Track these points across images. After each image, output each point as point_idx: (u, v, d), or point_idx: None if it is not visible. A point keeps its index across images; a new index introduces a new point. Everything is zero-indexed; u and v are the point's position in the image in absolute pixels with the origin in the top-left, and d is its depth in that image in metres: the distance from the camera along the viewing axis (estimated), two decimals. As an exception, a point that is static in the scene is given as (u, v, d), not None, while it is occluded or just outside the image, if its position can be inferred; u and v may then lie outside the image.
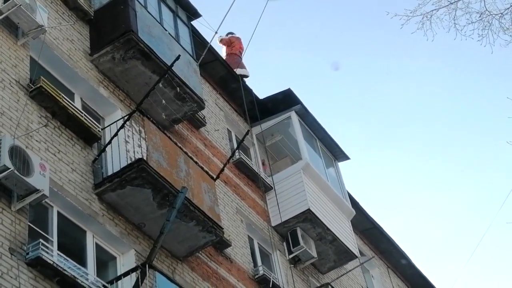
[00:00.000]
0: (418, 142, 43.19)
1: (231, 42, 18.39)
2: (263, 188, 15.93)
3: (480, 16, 10.43)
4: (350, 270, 17.71)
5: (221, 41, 18.34)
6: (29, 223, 8.96)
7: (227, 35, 18.57)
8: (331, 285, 14.87)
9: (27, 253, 8.53)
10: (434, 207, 44.06)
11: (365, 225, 20.05)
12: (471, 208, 42.52)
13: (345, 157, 18.89)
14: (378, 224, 20.61)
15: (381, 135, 42.89)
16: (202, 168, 12.32)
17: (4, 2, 10.40)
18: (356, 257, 16.92)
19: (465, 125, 41.38)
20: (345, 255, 16.58)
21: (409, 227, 43.65)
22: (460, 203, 43.28)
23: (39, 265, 8.53)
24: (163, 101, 12.59)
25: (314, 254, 15.69)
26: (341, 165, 18.88)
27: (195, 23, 15.50)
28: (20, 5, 10.33)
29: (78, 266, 9.41)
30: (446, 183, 43.33)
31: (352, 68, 41.44)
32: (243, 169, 15.72)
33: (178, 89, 12.93)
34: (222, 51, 18.28)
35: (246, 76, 17.71)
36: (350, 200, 18.34)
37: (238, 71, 17.35)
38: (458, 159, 42.59)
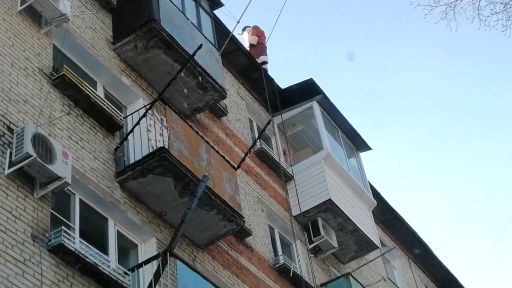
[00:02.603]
0: (439, 131, 42.91)
1: (261, 33, 18.33)
2: (284, 177, 15.92)
3: (504, 7, 10.33)
4: (371, 261, 17.68)
5: (253, 33, 18.17)
6: (51, 210, 9.04)
7: (244, 28, 18.48)
8: (351, 275, 14.84)
9: (49, 240, 8.60)
10: (456, 197, 43.80)
11: (386, 216, 19.98)
12: (495, 198, 42.17)
13: (366, 147, 18.81)
14: (399, 215, 20.53)
15: (402, 124, 42.65)
16: (223, 157, 12.34)
17: (28, -9, 10.46)
18: (377, 247, 16.87)
19: (489, 114, 41.02)
20: (366, 245, 16.54)
21: (430, 217, 43.45)
22: (483, 192, 42.97)
23: (61, 252, 8.60)
24: (185, 90, 12.61)
25: (335, 244, 15.67)
26: (363, 155, 18.82)
27: (217, 12, 15.51)
28: (44, -7, 10.38)
29: (100, 253, 9.48)
30: (469, 171, 43.02)
31: (373, 58, 41.22)
32: (264, 158, 15.72)
33: (200, 78, 12.93)
34: (245, 40, 18.23)
35: (266, 63, 17.68)
36: (371, 190, 18.28)
37: (260, 58, 17.33)
38: (481, 148, 42.26)
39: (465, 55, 39.64)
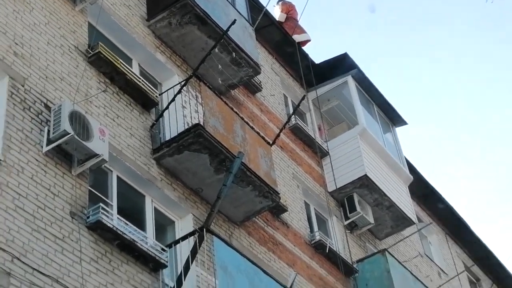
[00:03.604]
0: (476, 104, 42.32)
1: (291, 9, 18.13)
2: (320, 153, 15.84)
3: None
4: (407, 236, 17.56)
5: (282, 10, 18.01)
6: (89, 187, 9.10)
7: (278, 2, 18.30)
8: (388, 251, 14.75)
9: (88, 217, 8.67)
10: (494, 171, 43.28)
11: (422, 191, 19.79)
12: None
13: (402, 122, 18.61)
14: (436, 190, 20.33)
15: (438, 97, 42.15)
16: (258, 133, 12.29)
17: (62, -32, 10.44)
18: (414, 223, 16.75)
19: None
20: (402, 221, 16.43)
21: (467, 192, 43.03)
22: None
23: (99, 229, 8.66)
24: (219, 66, 12.56)
25: (371, 220, 15.59)
26: (399, 130, 18.63)
27: (250, -13, 15.36)
28: (78, -29, 10.37)
29: (138, 230, 9.53)
30: (508, 145, 42.42)
31: (411, 33, 40.64)
32: (299, 134, 15.64)
33: (234, 54, 12.87)
34: (276, 14, 17.98)
35: (309, 41, 17.50)
36: (407, 165, 18.11)
37: (299, 36, 17.13)
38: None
39: (503, 29, 38.88)
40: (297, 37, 17.09)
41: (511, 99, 41.48)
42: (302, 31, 17.51)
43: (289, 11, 18.00)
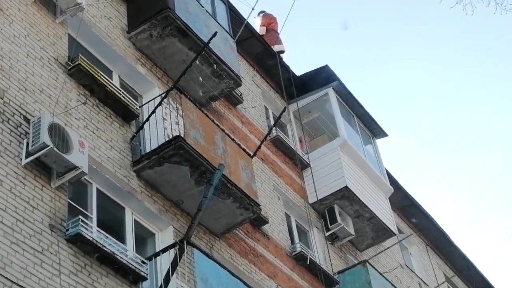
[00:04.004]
0: (456, 116, 42.64)
1: (272, 21, 18.21)
2: (300, 165, 15.88)
3: (521, -10, 10.16)
4: (388, 248, 17.62)
5: (262, 23, 18.07)
6: (68, 200, 9.06)
7: (259, 14, 18.40)
8: (368, 262, 14.79)
9: (67, 230, 8.63)
10: (474, 183, 43.58)
11: (403, 202, 19.89)
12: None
13: (383, 134, 18.71)
14: (416, 201, 20.43)
15: (418, 110, 42.43)
16: (239, 145, 12.31)
17: (42, -19, 10.44)
18: (394, 234, 16.82)
19: (508, 96, 40.67)
20: (383, 233, 16.49)
21: (448, 204, 43.27)
22: (501, 179, 42.69)
23: (79, 242, 8.63)
24: (200, 79, 12.58)
25: (352, 231, 15.63)
26: (379, 141, 18.73)
27: (231, -1, 15.43)
28: (58, -17, 10.37)
29: (117, 242, 9.49)
30: (487, 156, 42.76)
31: (388, 45, 40.95)
32: (280, 146, 15.68)
33: (215, 66, 12.89)
34: (257, 26, 18.05)
35: (283, 52, 17.60)
36: (388, 177, 18.20)
37: (275, 47, 17.24)
38: (500, 131, 41.96)
39: (483, 38, 39.31)
40: (275, 48, 17.18)
41: (492, 109, 41.91)
42: (280, 42, 17.61)
43: (270, 24, 18.08)
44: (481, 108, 42.31)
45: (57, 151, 8.64)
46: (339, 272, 14.69)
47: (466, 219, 44.30)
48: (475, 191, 43.97)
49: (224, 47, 13.58)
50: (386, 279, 15.17)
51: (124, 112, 10.90)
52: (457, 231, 44.01)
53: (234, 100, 14.62)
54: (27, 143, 8.71)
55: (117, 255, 9.00)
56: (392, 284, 15.38)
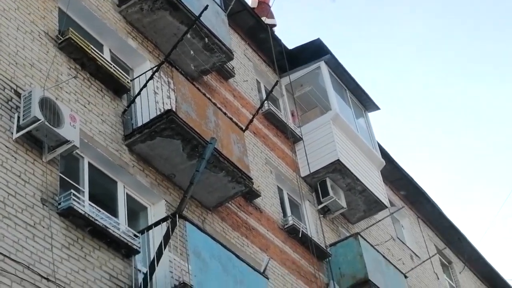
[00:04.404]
0: (448, 88, 42.64)
1: None
2: (292, 139, 15.91)
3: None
4: (379, 220, 17.74)
5: None
6: (60, 174, 9.07)
7: None
8: (360, 235, 14.89)
9: (59, 204, 8.64)
10: (466, 155, 43.72)
11: (395, 175, 19.98)
12: (505, 154, 42.06)
13: (375, 107, 18.73)
14: (408, 174, 20.52)
15: (410, 82, 42.41)
16: (231, 119, 12.31)
17: (31, -47, 10.33)
18: (386, 207, 16.91)
19: (498, 71, 40.65)
20: (374, 205, 16.58)
21: (439, 176, 43.47)
22: (493, 150, 42.86)
23: (71, 215, 8.64)
24: (192, 52, 12.53)
25: (344, 204, 15.71)
26: (371, 115, 18.75)
27: (223, -28, 15.31)
28: (47, -44, 10.27)
29: (110, 216, 9.52)
30: (479, 128, 42.85)
31: (383, 17, 40.78)
32: (272, 120, 15.68)
33: (206, 39, 12.84)
34: (251, 1, 18.02)
35: (275, 25, 17.53)
36: (380, 150, 18.25)
37: (267, 20, 17.16)
38: (492, 105, 41.99)
39: (478, 12, 39.17)
40: (267, 21, 17.11)
41: (484, 82, 41.91)
42: (272, 16, 17.54)
43: None
44: (473, 82, 42.33)
45: (48, 125, 8.63)
46: (331, 245, 14.79)
47: (458, 193, 44.54)
48: (467, 164, 44.18)
49: (216, 21, 13.51)
50: (377, 251, 15.29)
51: (115, 86, 10.86)
52: (449, 204, 44.28)
53: (225, 74, 14.59)
54: (18, 117, 8.69)
55: (109, 228, 9.03)
56: (384, 257, 15.51)
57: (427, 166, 43.50)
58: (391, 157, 19.63)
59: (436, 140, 44.50)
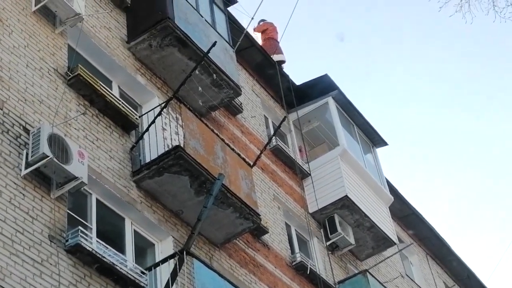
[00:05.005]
0: (454, 125, 42.64)
1: (266, 28, 18.30)
2: (300, 174, 15.86)
3: (520, -2, 10.17)
4: (388, 257, 17.59)
5: (255, 29, 18.24)
6: (68, 211, 9.04)
7: (259, 22, 18.49)
8: (369, 272, 14.74)
9: (67, 240, 8.61)
10: (474, 191, 43.50)
11: (403, 212, 19.86)
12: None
13: (383, 143, 18.70)
14: (416, 210, 20.40)
15: (418, 120, 42.43)
16: (239, 155, 12.30)
17: (42, -9, 10.46)
18: (395, 243, 16.78)
19: (505, 105, 40.67)
20: (383, 242, 16.45)
21: (448, 212, 43.22)
22: (502, 186, 42.63)
23: (78, 252, 8.60)
24: (200, 88, 12.58)
25: (352, 241, 15.60)
26: (379, 150, 18.71)
27: (231, 9, 15.47)
28: (58, -7, 10.37)
29: (117, 253, 9.47)
30: (486, 165, 42.69)
31: (389, 54, 40.99)
32: (280, 155, 15.66)
33: (214, 76, 12.89)
34: (258, 38, 18.17)
35: (283, 62, 17.60)
36: (388, 186, 18.18)
37: (275, 57, 17.25)
38: (498, 142, 41.94)
39: (483, 46, 39.33)
40: (275, 57, 17.19)
41: (491, 117, 41.90)
42: (280, 51, 17.63)
43: (264, 31, 18.12)
44: (480, 117, 42.33)
45: (57, 161, 8.63)
46: (339, 282, 14.64)
47: (467, 228, 44.25)
48: (476, 199, 43.94)
49: (224, 57, 13.59)
50: (386, 288, 15.12)
51: (123, 122, 10.89)
52: (458, 240, 43.98)
53: (233, 110, 14.62)
54: (27, 154, 8.70)
55: (116, 265, 8.97)
56: (393, 294, 15.34)
57: (435, 201, 43.32)
58: (399, 193, 19.54)
59: (444, 175, 44.37)
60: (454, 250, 21.89)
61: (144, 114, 11.60)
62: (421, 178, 43.83)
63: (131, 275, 9.13)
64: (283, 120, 13.65)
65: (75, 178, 8.84)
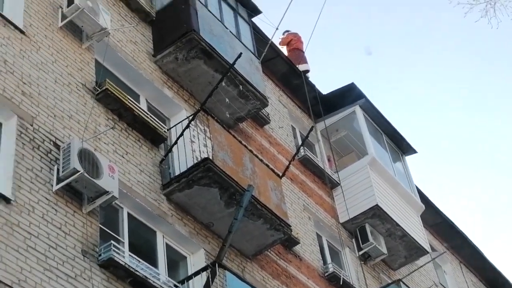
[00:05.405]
0: (483, 131, 42.21)
1: (290, 39, 18.26)
2: (330, 184, 15.74)
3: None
4: (421, 266, 17.33)
5: (280, 43, 18.20)
6: (100, 225, 9.02)
7: (283, 33, 18.45)
8: (402, 282, 14.54)
9: (100, 255, 8.58)
10: (508, 196, 42.93)
11: (435, 220, 19.60)
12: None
13: (412, 151, 18.51)
14: (448, 218, 20.13)
15: (447, 126, 42.06)
16: (267, 165, 12.22)
17: (68, 6, 10.50)
18: (427, 252, 16.56)
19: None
20: (416, 251, 16.24)
21: (481, 219, 42.69)
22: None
23: (111, 267, 8.57)
24: (227, 100, 12.55)
25: (384, 250, 15.42)
26: (408, 158, 18.52)
27: (255, 20, 15.42)
28: (83, 8, 10.42)
29: (150, 266, 9.43)
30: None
31: (417, 61, 40.74)
32: (309, 165, 15.56)
33: (241, 87, 12.87)
34: (284, 50, 18.11)
35: (308, 71, 17.54)
36: (419, 194, 17.97)
37: (300, 67, 17.19)
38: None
39: (508, 51, 38.92)
40: (301, 67, 17.13)
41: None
42: (305, 61, 17.56)
43: (288, 42, 18.07)
44: (511, 122, 41.82)
45: (88, 176, 8.62)
46: (372, 292, 14.48)
47: (500, 235, 43.63)
48: (508, 205, 43.33)
49: (250, 68, 13.55)
50: (421, 298, 14.91)
51: (152, 136, 10.88)
52: (491, 247, 43.39)
53: (261, 121, 14.57)
54: (58, 169, 8.71)
55: (149, 279, 8.93)
56: (427, 303, 15.12)
57: (467, 208, 42.83)
58: (430, 201, 19.30)
59: (475, 182, 43.85)
60: (488, 257, 21.57)
61: (172, 127, 11.59)
62: (452, 185, 43.38)
63: (164, 288, 9.08)
64: (311, 130, 13.57)
65: (106, 192, 8.83)
